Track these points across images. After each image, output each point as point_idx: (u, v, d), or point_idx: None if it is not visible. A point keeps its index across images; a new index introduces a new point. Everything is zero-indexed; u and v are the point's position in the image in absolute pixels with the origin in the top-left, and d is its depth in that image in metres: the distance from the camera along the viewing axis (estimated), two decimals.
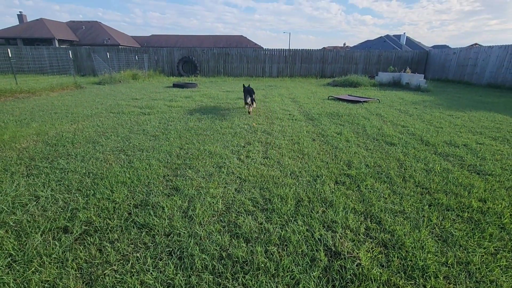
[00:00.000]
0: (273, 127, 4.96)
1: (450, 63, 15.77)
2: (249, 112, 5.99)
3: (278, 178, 2.90)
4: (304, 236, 2.00)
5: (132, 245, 1.88)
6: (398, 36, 38.75)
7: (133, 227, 2.06)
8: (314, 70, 18.35)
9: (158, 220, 2.14)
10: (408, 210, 2.34)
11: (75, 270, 1.65)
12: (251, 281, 1.58)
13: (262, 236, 1.98)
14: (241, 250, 1.83)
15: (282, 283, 1.58)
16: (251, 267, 1.69)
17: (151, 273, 1.64)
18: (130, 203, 2.38)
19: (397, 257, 1.79)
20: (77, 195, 2.49)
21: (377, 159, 3.47)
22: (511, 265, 1.74)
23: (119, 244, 1.87)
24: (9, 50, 9.70)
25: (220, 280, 1.59)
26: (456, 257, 1.80)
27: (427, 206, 2.40)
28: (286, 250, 1.86)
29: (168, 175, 2.95)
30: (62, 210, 2.26)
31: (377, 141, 4.22)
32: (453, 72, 15.51)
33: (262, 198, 2.51)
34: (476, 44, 33.05)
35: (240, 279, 1.60)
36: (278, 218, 2.21)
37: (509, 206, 2.39)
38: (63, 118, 5.40)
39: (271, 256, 1.79)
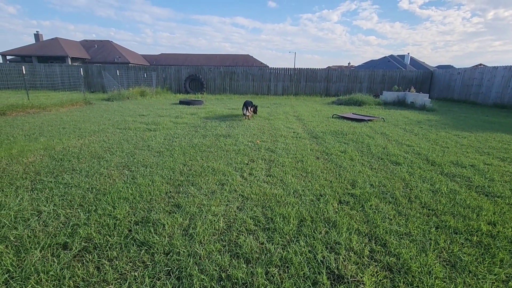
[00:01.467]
0: (277, 144, 4.96)
1: (455, 83, 15.83)
2: (247, 117, 7.79)
3: (281, 197, 2.87)
4: (306, 257, 1.94)
5: (130, 263, 1.85)
6: (402, 56, 39.31)
7: (133, 245, 2.03)
8: (318, 89, 18.57)
9: (158, 238, 2.11)
10: (414, 232, 2.27)
11: None
12: None
13: (263, 257, 1.94)
14: (241, 271, 1.78)
15: None
16: None
17: None
18: (131, 220, 2.37)
19: (403, 282, 1.72)
20: (79, 210, 2.49)
21: (381, 178, 3.42)
22: None
23: (117, 262, 1.84)
24: (23, 67, 10.08)
25: None
26: (466, 283, 1.72)
27: (434, 229, 2.33)
28: (288, 272, 1.80)
29: (170, 192, 2.94)
30: (63, 226, 2.25)
31: (381, 160, 4.18)
32: (458, 91, 15.53)
33: (264, 217, 2.48)
34: (480, 64, 33.23)
35: None
36: (280, 238, 2.16)
37: None
38: (70, 133, 5.50)
39: (272, 278, 1.74)
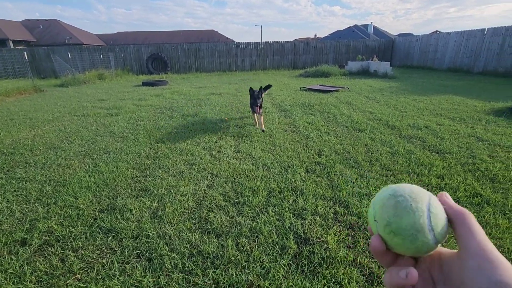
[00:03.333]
0: (246, 120, 4.94)
1: (414, 50, 16.51)
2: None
3: (250, 171, 2.91)
4: (275, 226, 2.02)
5: (97, 251, 1.80)
6: (366, 26, 39.93)
7: (99, 233, 1.98)
8: (286, 62, 18.47)
9: (125, 223, 2.07)
10: (374, 192, 2.44)
11: (34, 284, 1.56)
12: (222, 275, 1.58)
13: (233, 230, 1.98)
14: (212, 246, 1.82)
15: (252, 273, 1.59)
16: (221, 261, 1.69)
17: (117, 278, 1.58)
18: (96, 208, 2.28)
19: (363, 238, 1.86)
20: (37, 204, 2.35)
21: (346, 145, 3.58)
22: None
23: (83, 252, 1.79)
24: None
25: (190, 278, 1.57)
26: None
27: None
28: (257, 241, 1.87)
29: (136, 176, 2.85)
30: (19, 222, 2.11)
31: (346, 128, 4.35)
32: (417, 58, 16.26)
33: (234, 192, 2.51)
34: (437, 31, 34.80)
35: (210, 275, 1.59)
36: (249, 210, 2.22)
37: (463, 180, 2.57)
38: (20, 125, 5.03)
39: (242, 248, 1.80)
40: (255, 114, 4.61)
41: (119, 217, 2.15)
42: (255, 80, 12.17)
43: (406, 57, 17.25)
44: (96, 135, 4.29)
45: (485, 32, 11.84)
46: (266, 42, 18.06)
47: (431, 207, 0.31)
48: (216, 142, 3.84)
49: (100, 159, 3.32)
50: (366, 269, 1.61)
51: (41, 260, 1.73)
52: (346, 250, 1.75)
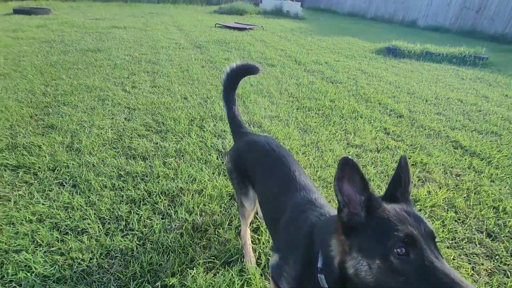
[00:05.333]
0: (159, 56, 4.65)
1: None
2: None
3: (170, 104, 2.94)
4: (199, 146, 2.24)
5: (9, 186, 1.71)
6: None
7: (5, 170, 1.83)
8: None
9: (36, 159, 1.94)
10: (281, 115, 2.87)
11: None
12: (153, 186, 1.76)
13: (159, 153, 2.12)
14: (140, 167, 1.94)
15: (181, 181, 1.82)
16: (151, 177, 1.85)
17: (42, 203, 1.59)
18: None
19: None
20: None
21: (259, 79, 3.88)
22: (343, 137, 2.51)
23: None
24: None
25: (122, 192, 1.70)
26: (311, 139, 2.44)
27: (296, 110, 2.99)
28: (183, 159, 2.08)
29: (36, 115, 2.55)
30: None
31: (260, 63, 4.62)
32: (324, 1, 17.15)
33: (155, 122, 2.56)
34: None
35: (142, 188, 1.75)
36: (173, 136, 2.35)
37: (348, 102, 3.25)
38: None
39: (169, 165, 1.99)
40: None
41: (26, 153, 1.99)
42: (164, 14, 10.92)
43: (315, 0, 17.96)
44: None
45: None
46: None
47: None
48: (128, 77, 3.59)
49: None
50: None
51: None
52: None
